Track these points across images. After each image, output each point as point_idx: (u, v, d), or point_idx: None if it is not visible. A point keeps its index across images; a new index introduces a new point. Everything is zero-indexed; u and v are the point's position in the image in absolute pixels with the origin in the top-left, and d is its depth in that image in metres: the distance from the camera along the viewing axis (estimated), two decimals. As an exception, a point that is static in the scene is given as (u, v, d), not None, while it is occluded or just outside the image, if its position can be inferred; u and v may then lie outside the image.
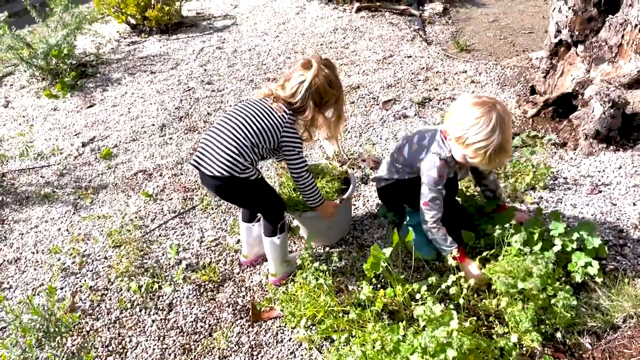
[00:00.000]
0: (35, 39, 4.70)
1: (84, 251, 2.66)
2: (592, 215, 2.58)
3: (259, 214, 2.36)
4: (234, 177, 2.01)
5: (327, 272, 2.10)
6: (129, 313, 2.29)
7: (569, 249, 2.12)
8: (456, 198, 2.45)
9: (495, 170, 2.62)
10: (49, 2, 4.88)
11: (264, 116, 2.05)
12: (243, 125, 2.03)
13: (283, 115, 2.06)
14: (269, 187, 2.20)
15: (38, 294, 2.41)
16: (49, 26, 4.87)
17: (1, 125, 4.07)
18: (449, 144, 2.12)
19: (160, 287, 2.40)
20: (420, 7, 5.91)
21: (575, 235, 2.14)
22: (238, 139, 2.00)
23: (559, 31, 3.42)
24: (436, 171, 2.14)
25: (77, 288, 2.43)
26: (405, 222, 2.50)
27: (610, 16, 3.16)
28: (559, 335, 1.93)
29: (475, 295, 2.11)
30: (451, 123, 2.05)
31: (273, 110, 2.07)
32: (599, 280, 2.06)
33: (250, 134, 2.01)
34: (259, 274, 2.43)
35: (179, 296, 2.35)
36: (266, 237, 2.27)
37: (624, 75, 3.05)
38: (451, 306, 2.06)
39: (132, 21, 5.84)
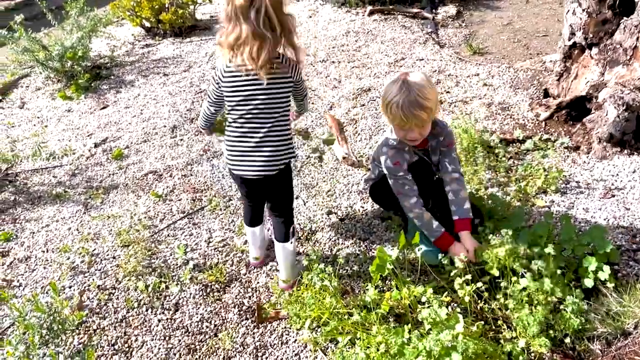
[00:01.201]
0: (51, 42, 4.76)
1: (93, 250, 2.67)
2: (604, 219, 2.53)
3: (262, 218, 2.38)
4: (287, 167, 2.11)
5: (332, 274, 2.09)
6: (136, 312, 2.29)
7: (579, 253, 2.08)
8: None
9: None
10: (65, 5, 4.95)
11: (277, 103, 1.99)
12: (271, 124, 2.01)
13: (285, 74, 1.96)
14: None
15: (46, 292, 2.43)
16: (65, 29, 4.93)
17: (16, 126, 4.12)
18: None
19: (167, 287, 2.40)
20: (433, 10, 5.89)
21: (587, 240, 2.11)
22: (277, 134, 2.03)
23: (572, 34, 3.38)
24: (389, 160, 2.21)
25: (85, 287, 2.45)
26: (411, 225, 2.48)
27: (625, 18, 3.10)
28: (568, 340, 1.88)
29: (482, 300, 2.08)
30: (381, 106, 2.15)
31: (274, 88, 1.96)
32: (610, 285, 2.01)
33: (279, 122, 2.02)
34: (265, 275, 2.42)
35: (185, 296, 2.35)
36: (280, 243, 2.24)
37: (638, 78, 3.00)
38: (458, 310, 2.03)
39: (147, 24, 5.90)
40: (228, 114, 2.05)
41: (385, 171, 2.26)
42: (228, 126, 2.07)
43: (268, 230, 2.58)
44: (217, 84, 2.02)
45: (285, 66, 1.97)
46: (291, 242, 2.25)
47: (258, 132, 1.99)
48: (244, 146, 2.02)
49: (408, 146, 2.21)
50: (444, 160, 2.29)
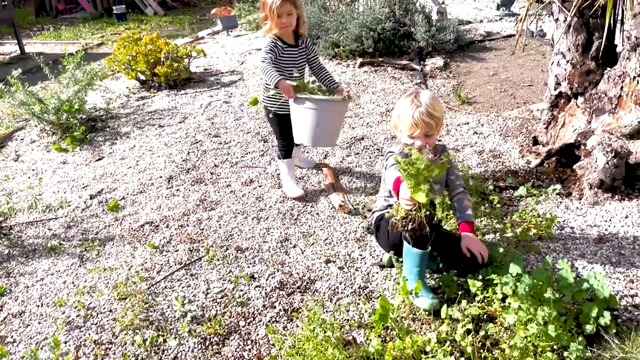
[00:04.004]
0: (47, 95, 4.82)
1: (89, 304, 2.63)
2: (600, 264, 2.56)
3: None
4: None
5: (334, 324, 2.08)
6: (133, 368, 2.24)
7: (579, 299, 2.10)
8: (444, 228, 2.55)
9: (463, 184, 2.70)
10: (62, 60, 5.05)
11: None
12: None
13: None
14: (280, 124, 3.34)
15: (41, 348, 2.37)
16: (61, 82, 5.01)
17: (11, 179, 4.12)
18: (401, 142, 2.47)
19: (165, 341, 2.36)
20: (422, 62, 6.09)
21: (585, 285, 2.12)
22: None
23: (558, 84, 3.51)
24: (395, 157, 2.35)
25: (81, 342, 2.39)
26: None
27: (608, 69, 3.24)
28: (573, 389, 1.87)
29: (486, 350, 2.07)
30: (391, 121, 2.51)
31: None
32: (611, 331, 2.02)
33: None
34: (265, 326, 2.40)
35: (184, 350, 2.31)
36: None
37: (625, 126, 3.10)
38: (462, 359, 2.02)
39: (142, 77, 6.02)
40: None
41: (388, 167, 2.39)
42: None
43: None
44: None
45: None
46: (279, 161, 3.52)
47: None
48: None
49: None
50: (450, 177, 2.60)
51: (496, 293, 2.17)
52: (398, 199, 2.18)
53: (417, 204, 2.06)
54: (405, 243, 2.36)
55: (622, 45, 3.19)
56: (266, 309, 2.50)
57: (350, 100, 3.29)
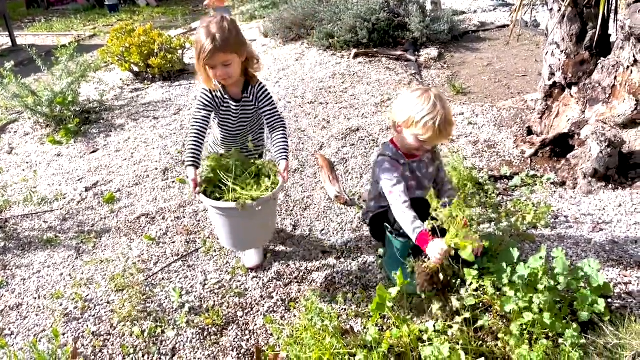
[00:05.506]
0: (40, 87, 4.79)
1: (87, 296, 2.64)
2: (594, 253, 2.59)
3: None
4: None
5: (331, 314, 2.09)
6: (132, 359, 2.25)
7: (573, 287, 2.12)
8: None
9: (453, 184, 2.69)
10: (55, 51, 5.01)
11: None
12: None
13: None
14: None
15: (40, 340, 2.38)
16: (55, 75, 4.97)
17: (5, 172, 4.10)
18: (400, 136, 2.31)
19: (163, 332, 2.37)
20: (416, 53, 6.08)
21: (580, 274, 2.15)
22: None
23: (552, 74, 3.52)
24: (387, 164, 2.30)
25: (79, 333, 2.40)
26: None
27: (602, 59, 3.25)
28: (568, 375, 1.90)
29: (481, 339, 2.09)
30: (398, 113, 2.27)
31: None
32: (606, 318, 2.05)
33: None
34: (262, 316, 2.41)
35: (182, 340, 2.32)
36: None
37: (618, 115, 3.12)
38: (458, 347, 2.04)
39: (136, 69, 5.98)
40: None
41: (381, 176, 2.31)
42: None
43: None
44: None
45: None
46: None
47: None
48: None
49: (403, 159, 2.36)
50: (441, 173, 2.53)
51: (492, 282, 2.18)
52: (425, 251, 2.12)
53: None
54: (387, 233, 2.40)
55: (616, 35, 3.20)
56: (264, 299, 2.52)
57: (257, 206, 2.16)
